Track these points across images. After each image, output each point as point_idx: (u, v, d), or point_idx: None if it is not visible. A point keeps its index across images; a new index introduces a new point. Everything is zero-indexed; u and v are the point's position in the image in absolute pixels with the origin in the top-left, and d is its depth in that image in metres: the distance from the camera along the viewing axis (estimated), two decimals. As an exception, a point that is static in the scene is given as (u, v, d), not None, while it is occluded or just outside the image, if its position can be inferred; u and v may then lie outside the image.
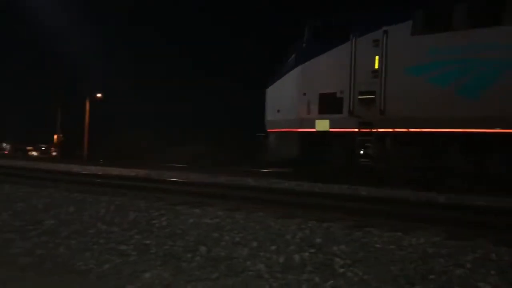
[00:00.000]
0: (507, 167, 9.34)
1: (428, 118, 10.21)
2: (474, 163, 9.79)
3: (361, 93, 11.06)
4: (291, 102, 12.10)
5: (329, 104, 11.48)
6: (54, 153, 40.05)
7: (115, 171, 12.01)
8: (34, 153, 43.73)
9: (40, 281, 3.80)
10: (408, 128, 10.51)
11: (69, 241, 4.91)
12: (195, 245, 4.48)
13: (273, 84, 12.88)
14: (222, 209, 5.78)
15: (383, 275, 3.59)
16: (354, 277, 3.60)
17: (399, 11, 11.13)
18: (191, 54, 50.49)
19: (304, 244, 4.29)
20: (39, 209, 6.18)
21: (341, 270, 3.74)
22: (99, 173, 11.14)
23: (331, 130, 11.46)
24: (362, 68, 11.11)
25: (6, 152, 44.25)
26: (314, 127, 11.66)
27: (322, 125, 11.58)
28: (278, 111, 12.48)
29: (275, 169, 13.18)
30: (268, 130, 12.79)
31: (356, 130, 11.08)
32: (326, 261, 3.91)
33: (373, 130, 10.92)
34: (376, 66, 10.94)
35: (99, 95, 36.99)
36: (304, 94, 11.84)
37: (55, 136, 39.45)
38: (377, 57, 10.95)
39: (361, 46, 11.19)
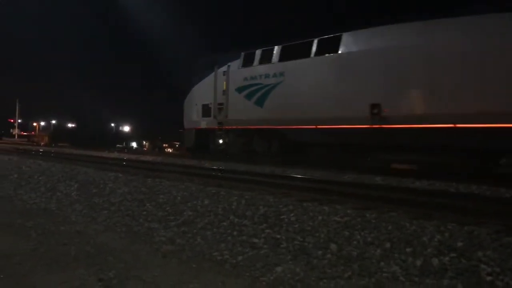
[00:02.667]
0: (282, 149, 14.98)
1: (245, 120, 15.90)
2: (266, 147, 15.46)
3: (219, 104, 17.10)
4: (190, 109, 18.71)
5: (206, 111, 17.78)
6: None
7: (241, 167, 12.47)
8: (169, 150, 47.50)
9: (181, 268, 4.06)
10: (238, 126, 16.28)
11: (205, 232, 5.20)
12: (326, 242, 4.43)
13: (186, 98, 19.30)
14: (351, 207, 5.63)
15: (541, 287, 3.18)
16: (505, 287, 3.26)
17: (236, 52, 16.91)
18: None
19: (444, 247, 3.98)
20: (178, 201, 6.66)
21: (489, 278, 3.40)
22: (227, 168, 11.66)
23: (207, 127, 17.76)
24: (219, 89, 17.17)
25: (145, 149, 48.74)
26: (200, 126, 18.12)
27: (203, 124, 17.97)
28: (187, 115, 19.09)
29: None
30: (184, 128, 19.27)
31: (217, 127, 17.11)
32: (470, 267, 3.58)
33: (223, 127, 16.88)
34: (224, 88, 16.87)
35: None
36: (196, 104, 18.35)
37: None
38: (224, 82, 16.89)
39: (219, 75, 17.25)
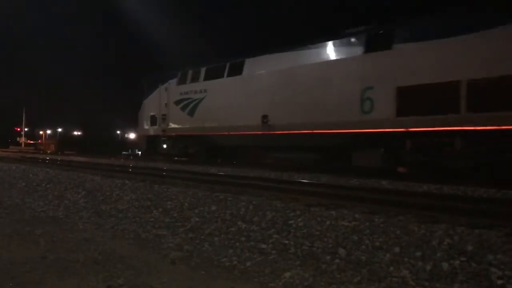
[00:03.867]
0: (208, 151, 18.66)
1: (181, 128, 19.39)
2: (197, 150, 18.90)
3: (162, 115, 20.49)
4: (142, 119, 22.14)
5: (153, 121, 21.16)
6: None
7: (249, 172, 12.46)
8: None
9: (190, 274, 4.06)
10: (176, 133, 19.72)
11: (213, 238, 5.20)
12: (334, 247, 4.42)
13: (139, 110, 22.49)
14: (359, 212, 5.60)
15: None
16: (516, 290, 3.23)
17: (174, 72, 20.24)
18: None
19: (453, 251, 3.95)
20: (185, 207, 6.67)
21: (500, 282, 3.38)
22: (234, 174, 11.65)
23: (154, 134, 21.04)
24: (162, 102, 20.52)
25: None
26: (149, 133, 21.51)
27: (152, 131, 21.34)
28: (140, 124, 22.46)
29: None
30: (144, 135, 22.35)
31: (161, 134, 20.45)
32: (481, 271, 3.56)
33: (166, 134, 20.19)
34: (166, 101, 20.25)
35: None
36: (146, 115, 21.74)
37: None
38: (166, 96, 20.31)
39: (162, 91, 20.66)
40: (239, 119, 16.24)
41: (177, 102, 19.71)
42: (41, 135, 65.43)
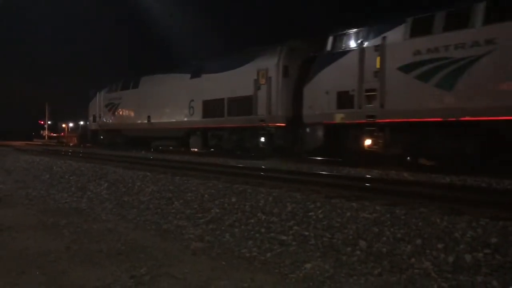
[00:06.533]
0: (127, 141, 26.88)
1: (110, 124, 27.65)
2: (122, 140, 26.99)
3: (99, 115, 28.78)
4: (89, 117, 30.82)
5: (94, 119, 29.36)
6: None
7: (266, 164, 12.47)
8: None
9: (211, 264, 4.09)
10: (107, 128, 27.89)
11: (233, 229, 5.23)
12: (354, 239, 4.40)
13: (88, 110, 30.91)
14: (380, 204, 5.56)
15: None
16: (542, 283, 3.17)
17: (106, 83, 28.90)
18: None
19: (477, 243, 3.90)
20: (205, 198, 6.72)
21: (525, 275, 3.32)
22: (252, 166, 11.66)
23: (95, 129, 29.80)
24: (98, 105, 28.58)
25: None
26: (92, 128, 30.20)
27: (93, 126, 29.77)
28: (88, 121, 30.92)
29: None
30: (90, 129, 31.00)
31: (98, 128, 29.11)
32: (505, 263, 3.50)
33: (101, 129, 28.80)
34: (101, 105, 28.36)
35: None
36: (90, 114, 30.12)
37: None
38: (101, 101, 28.53)
39: (98, 96, 28.90)
40: (137, 119, 24.45)
41: (106, 106, 27.84)
42: (64, 128, 66.47)
